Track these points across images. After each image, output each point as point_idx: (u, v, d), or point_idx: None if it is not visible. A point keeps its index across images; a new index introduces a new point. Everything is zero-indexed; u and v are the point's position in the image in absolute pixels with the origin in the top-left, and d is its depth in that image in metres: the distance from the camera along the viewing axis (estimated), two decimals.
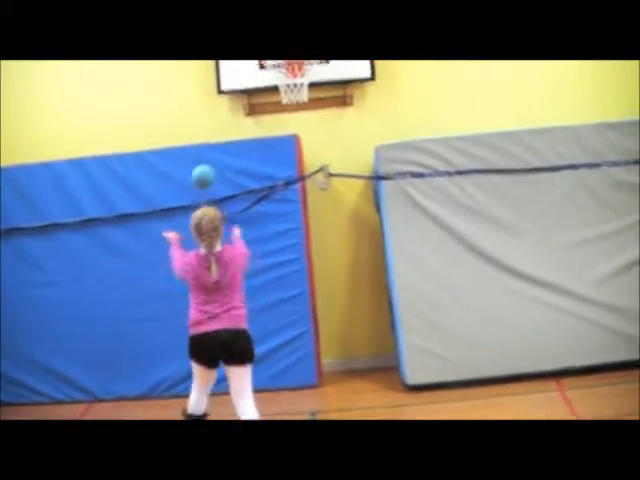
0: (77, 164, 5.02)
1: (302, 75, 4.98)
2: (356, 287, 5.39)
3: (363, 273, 5.39)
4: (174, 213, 4.85)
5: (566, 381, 4.47)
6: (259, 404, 3.38)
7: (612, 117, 4.88)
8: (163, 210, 4.91)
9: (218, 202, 4.76)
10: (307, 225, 5.07)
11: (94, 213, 4.98)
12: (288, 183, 4.88)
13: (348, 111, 5.36)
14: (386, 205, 4.79)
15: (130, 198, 4.97)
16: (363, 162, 5.21)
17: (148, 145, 5.07)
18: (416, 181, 4.75)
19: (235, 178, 4.90)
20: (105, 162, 5.01)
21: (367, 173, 5.15)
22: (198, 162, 4.77)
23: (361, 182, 5.25)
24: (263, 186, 4.84)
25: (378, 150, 4.85)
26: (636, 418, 1.88)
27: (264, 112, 5.37)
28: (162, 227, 4.75)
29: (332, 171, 5.08)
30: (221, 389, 3.68)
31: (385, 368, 5.06)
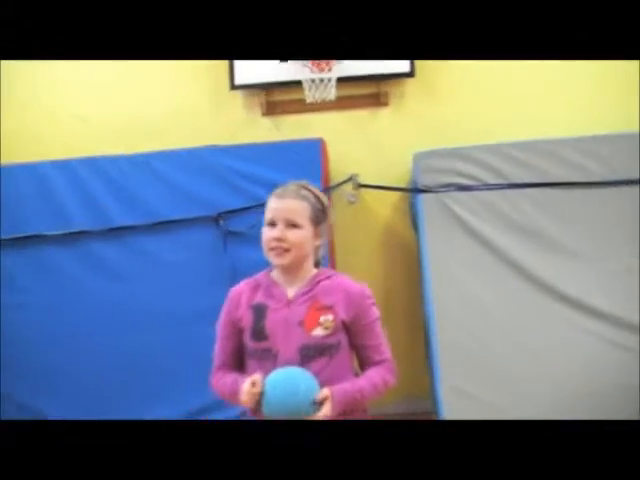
0: (62, 166, 4.99)
1: (329, 69, 4.96)
2: (387, 318, 4.87)
3: (395, 301, 5.35)
4: (177, 226, 4.88)
5: None
6: None
7: None
8: (163, 223, 4.90)
9: (227, 215, 4.84)
10: (331, 244, 5.00)
11: (82, 225, 4.95)
12: None
13: (382, 112, 5.37)
14: (425, 222, 4.75)
15: (125, 208, 4.94)
16: (399, 171, 5.20)
17: (147, 147, 5.05)
18: (461, 195, 4.71)
19: (248, 187, 4.88)
20: (95, 165, 4.98)
21: (403, 184, 5.13)
22: (204, 167, 4.92)
23: (396, 195, 5.24)
24: None
25: (417, 158, 4.80)
26: None
27: (284, 112, 5.39)
28: (162, 242, 4.91)
29: (362, 181, 5.09)
30: None
31: (419, 414, 5.05)
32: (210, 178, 4.98)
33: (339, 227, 5.13)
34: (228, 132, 5.28)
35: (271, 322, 2.49)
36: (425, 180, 4.78)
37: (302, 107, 5.28)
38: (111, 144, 5.26)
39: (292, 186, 2.60)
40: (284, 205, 2.52)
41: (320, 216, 2.58)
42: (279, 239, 2.49)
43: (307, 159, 4.90)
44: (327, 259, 4.68)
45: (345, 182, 5.08)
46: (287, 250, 2.49)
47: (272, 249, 2.51)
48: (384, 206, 5.36)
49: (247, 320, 2.52)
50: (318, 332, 2.47)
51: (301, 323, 2.47)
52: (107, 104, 5.48)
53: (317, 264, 2.66)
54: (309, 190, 2.60)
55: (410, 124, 5.33)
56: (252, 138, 5.16)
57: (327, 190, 4.95)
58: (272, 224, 2.52)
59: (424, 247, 4.78)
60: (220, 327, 2.63)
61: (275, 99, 5.41)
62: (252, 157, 4.91)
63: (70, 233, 4.96)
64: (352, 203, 5.14)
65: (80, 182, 5.00)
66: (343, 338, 2.54)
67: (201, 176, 4.97)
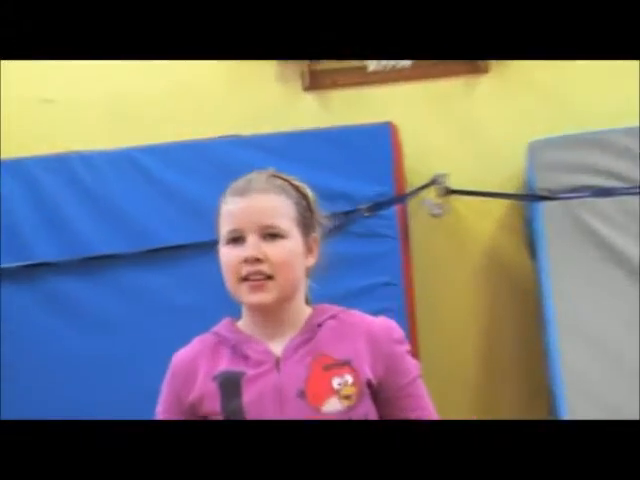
0: (12, 167, 4.97)
1: None
2: (492, 377, 5.33)
3: (504, 355, 5.29)
4: (181, 255, 4.87)
5: None
6: None
7: None
8: (161, 250, 4.88)
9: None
10: (409, 278, 4.96)
11: (44, 253, 4.92)
12: (377, 206, 4.82)
13: (481, 82, 5.32)
14: (546, 243, 4.74)
15: (105, 229, 4.91)
16: (506, 170, 5.15)
17: (137, 139, 5.05)
18: (600, 202, 4.69)
19: None
20: (64, 163, 4.95)
21: (513, 188, 5.09)
22: (221, 167, 4.81)
23: (502, 204, 5.18)
24: (333, 211, 4.50)
25: (533, 149, 4.78)
26: None
27: (335, 85, 5.36)
28: (160, 278, 4.91)
29: (452, 185, 5.05)
30: None
31: None
32: (229, 183, 4.88)
33: (420, 252, 5.18)
34: (255, 116, 5.21)
35: (252, 397, 2.20)
36: (546, 181, 4.75)
37: (362, 78, 5.22)
38: (87, 135, 5.24)
39: (258, 176, 2.40)
40: (254, 203, 2.29)
41: (308, 218, 2.37)
42: (255, 260, 2.22)
43: (370, 153, 4.87)
44: (404, 298, 4.84)
45: (427, 186, 5.00)
46: (270, 277, 2.23)
47: (244, 280, 2.23)
48: (485, 220, 5.27)
49: (210, 400, 2.24)
50: (334, 406, 2.19)
51: (302, 394, 2.19)
52: (82, 80, 5.44)
53: (306, 301, 2.43)
54: (285, 180, 2.41)
55: (523, 99, 5.23)
56: (289, 124, 5.08)
57: (401, 198, 4.92)
58: (237, 239, 2.25)
59: (545, 278, 4.75)
60: (161, 418, 2.36)
61: (323, 67, 5.33)
62: (289, 151, 4.82)
63: (27, 266, 4.93)
64: (437, 217, 5.07)
65: (40, 191, 4.96)
66: (372, 410, 2.27)
67: (216, 180, 4.75)
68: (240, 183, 2.37)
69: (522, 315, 5.20)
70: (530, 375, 5.16)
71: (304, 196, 2.40)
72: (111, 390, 4.88)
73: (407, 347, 2.36)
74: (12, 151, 5.12)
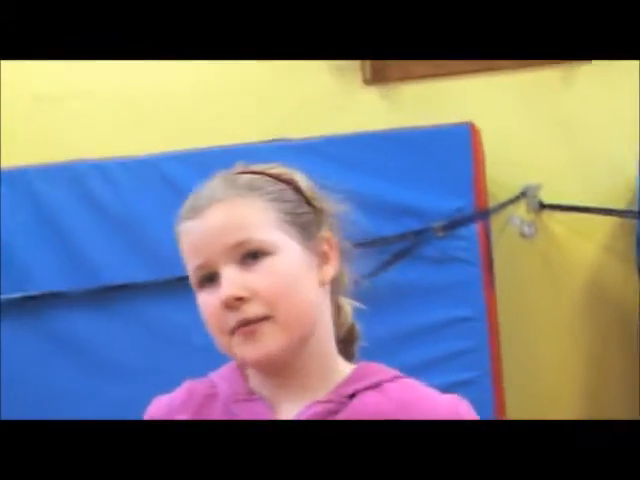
0: (11, 178, 4.98)
1: None
2: None
3: (613, 409, 5.23)
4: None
5: None
6: None
7: None
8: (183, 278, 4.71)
9: None
10: (493, 311, 4.89)
11: (50, 283, 4.90)
12: (453, 224, 4.80)
13: (581, 73, 5.31)
14: None
15: (124, 253, 4.91)
16: (612, 180, 5.20)
17: (164, 145, 5.02)
18: None
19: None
20: (72, 174, 4.97)
21: (622, 204, 5.08)
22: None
23: (607, 222, 5.15)
24: (399, 231, 4.77)
25: None
26: None
27: (402, 77, 5.42)
28: (190, 311, 4.73)
29: (546, 199, 5.07)
30: None
31: None
32: None
33: (505, 279, 5.11)
34: (305, 115, 5.27)
35: None
36: None
37: (436, 68, 5.26)
38: (100, 139, 5.28)
39: (213, 181, 1.97)
40: (212, 221, 1.87)
41: (306, 214, 1.93)
42: (236, 300, 1.81)
43: (446, 159, 4.88)
44: (486, 339, 4.81)
45: (515, 200, 5.04)
46: (267, 318, 1.83)
47: (236, 331, 1.84)
48: (585, 242, 5.25)
49: None
50: None
51: None
52: (93, 73, 5.45)
53: (349, 352, 2.05)
54: (255, 172, 1.94)
55: (632, 93, 5.13)
56: (347, 125, 5.06)
57: (483, 215, 4.89)
58: (210, 277, 1.86)
59: None
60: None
61: None
62: (347, 157, 4.83)
63: (29, 297, 4.93)
64: (527, 237, 5.07)
65: (43, 207, 4.97)
66: None
67: None
68: (191, 198, 1.94)
69: (634, 359, 5.11)
70: None
71: (290, 185, 1.94)
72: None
73: None
74: (11, 159, 5.15)
